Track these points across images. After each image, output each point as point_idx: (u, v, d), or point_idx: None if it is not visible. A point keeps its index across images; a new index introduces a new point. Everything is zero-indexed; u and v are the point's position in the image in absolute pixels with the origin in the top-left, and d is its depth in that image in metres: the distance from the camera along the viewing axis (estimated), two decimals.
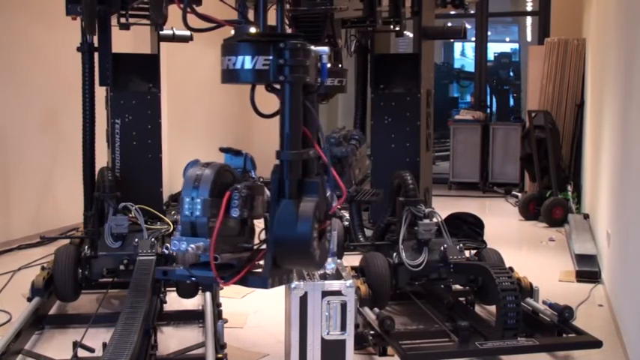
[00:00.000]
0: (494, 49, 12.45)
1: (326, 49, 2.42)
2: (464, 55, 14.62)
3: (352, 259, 4.43)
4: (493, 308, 3.77)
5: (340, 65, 4.25)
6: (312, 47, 2.32)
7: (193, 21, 2.53)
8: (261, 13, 2.48)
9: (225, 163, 2.49)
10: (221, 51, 2.40)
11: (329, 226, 2.32)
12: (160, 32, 4.64)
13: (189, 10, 2.46)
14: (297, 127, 2.37)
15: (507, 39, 14.40)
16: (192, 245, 2.20)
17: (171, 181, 7.87)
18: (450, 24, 4.96)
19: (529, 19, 12.17)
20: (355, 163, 3.89)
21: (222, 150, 2.75)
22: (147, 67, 4.49)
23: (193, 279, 2.26)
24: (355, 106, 4.63)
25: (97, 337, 3.40)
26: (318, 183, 2.34)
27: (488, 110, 10.46)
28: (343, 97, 12.05)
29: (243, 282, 2.29)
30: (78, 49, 4.28)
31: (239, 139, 10.00)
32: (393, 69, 4.41)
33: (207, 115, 9.15)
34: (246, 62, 2.35)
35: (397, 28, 4.40)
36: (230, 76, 2.41)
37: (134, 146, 4.40)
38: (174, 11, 4.77)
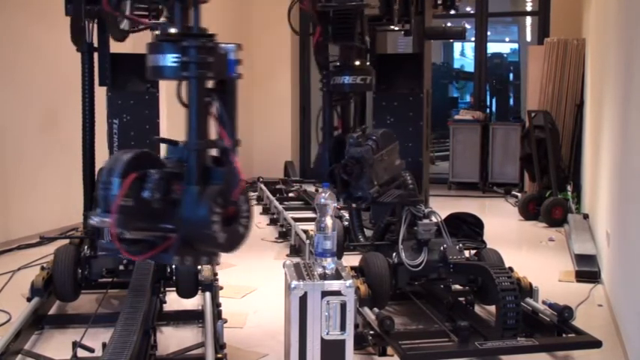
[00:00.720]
0: (493, 49, 12.45)
1: (232, 46, 2.60)
2: (463, 55, 14.62)
3: (352, 259, 4.43)
4: (493, 308, 3.77)
5: (368, 63, 4.22)
6: (222, 45, 2.56)
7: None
8: (177, 14, 2.65)
9: (147, 150, 2.71)
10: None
11: (245, 212, 2.58)
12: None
13: (118, 13, 2.75)
14: (202, 119, 2.59)
15: (507, 39, 14.40)
16: (97, 219, 2.43)
17: None
18: (449, 24, 4.96)
19: (529, 19, 12.17)
20: (379, 163, 3.88)
21: (158, 140, 3.04)
22: (145, 67, 4.48)
23: (104, 252, 2.60)
24: (354, 106, 4.62)
25: (97, 337, 3.40)
26: (223, 171, 2.58)
27: (488, 110, 10.46)
28: None
29: (153, 258, 2.55)
30: (77, 49, 4.28)
31: (239, 138, 10.00)
32: (396, 69, 4.41)
33: None
34: (161, 60, 2.61)
35: (407, 27, 4.41)
36: (150, 72, 2.69)
37: (132, 146, 4.40)
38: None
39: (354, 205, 4.14)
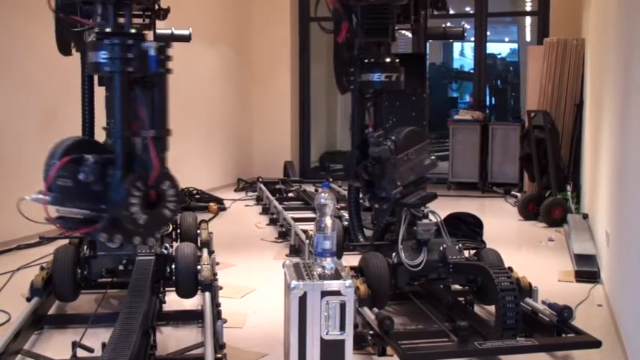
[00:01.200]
0: (493, 49, 12.46)
1: (151, 44, 2.87)
2: (463, 55, 14.62)
3: (351, 259, 4.43)
4: (492, 308, 3.77)
5: (397, 60, 4.12)
6: (144, 43, 2.83)
7: None
8: (110, 14, 2.92)
9: (90, 138, 3.13)
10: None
11: (171, 196, 2.85)
12: (158, 32, 4.63)
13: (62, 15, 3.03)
14: (124, 110, 2.87)
15: (507, 39, 14.41)
16: (32, 196, 2.87)
17: None
18: (449, 24, 4.95)
19: (528, 19, 12.18)
20: (403, 163, 3.84)
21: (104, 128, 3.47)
22: None
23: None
24: (352, 105, 4.61)
25: (96, 337, 3.40)
26: (143, 159, 2.87)
27: (488, 110, 10.47)
28: (343, 96, 12.08)
29: (88, 234, 2.94)
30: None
31: (239, 139, 10.01)
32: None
33: (207, 114, 9.15)
34: (94, 56, 2.88)
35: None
36: (88, 67, 3.03)
37: None
38: (174, 9, 4.79)
39: (376, 206, 4.08)
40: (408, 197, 3.89)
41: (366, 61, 4.12)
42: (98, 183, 2.82)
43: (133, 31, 2.98)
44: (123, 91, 2.83)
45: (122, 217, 2.79)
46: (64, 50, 4.05)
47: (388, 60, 4.09)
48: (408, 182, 3.90)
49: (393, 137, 3.91)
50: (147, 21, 4.45)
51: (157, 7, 4.57)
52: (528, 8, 10.93)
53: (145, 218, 2.79)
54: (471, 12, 10.04)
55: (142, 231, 2.86)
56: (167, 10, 4.64)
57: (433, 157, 4.02)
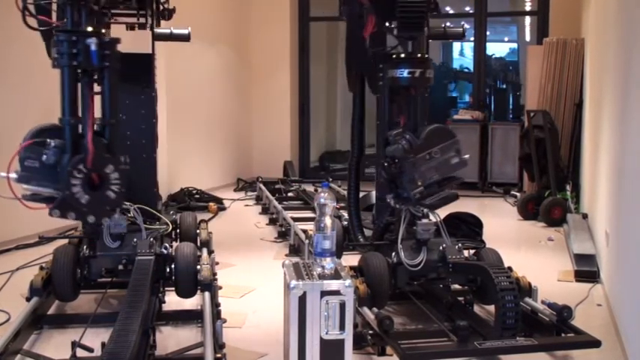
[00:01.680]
0: (492, 48, 12.45)
1: (93, 39, 3.05)
2: (462, 54, 14.62)
3: (351, 259, 4.43)
4: (492, 308, 3.77)
5: (427, 55, 4.00)
6: (88, 39, 3.03)
7: None
8: (68, 12, 3.13)
9: (58, 124, 3.22)
10: None
11: (115, 180, 3.08)
12: (157, 31, 4.64)
13: (28, 13, 3.22)
14: (71, 99, 3.12)
15: (506, 39, 14.40)
16: (2, 174, 3.12)
17: (171, 181, 7.88)
18: (448, 24, 4.94)
19: (528, 19, 12.18)
20: (424, 162, 3.73)
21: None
22: (141, 66, 4.50)
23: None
24: (353, 106, 4.62)
25: (96, 337, 3.40)
26: (85, 145, 3.09)
27: (487, 110, 10.46)
28: (343, 96, 12.08)
29: (50, 211, 3.14)
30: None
31: (238, 138, 10.01)
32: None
33: (207, 114, 9.15)
34: (54, 52, 3.15)
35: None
36: (52, 63, 3.21)
37: (128, 146, 4.40)
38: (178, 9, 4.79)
39: (397, 206, 3.94)
40: (428, 198, 3.79)
41: (395, 56, 3.99)
42: (58, 165, 3.10)
43: (90, 29, 3.14)
44: (69, 82, 3.08)
45: (67, 196, 3.05)
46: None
47: (418, 55, 3.96)
48: (430, 182, 3.78)
49: (407, 136, 3.80)
50: (142, 20, 4.47)
51: (161, 7, 4.59)
52: (528, 8, 10.93)
53: (87, 198, 3.05)
54: (471, 12, 10.04)
55: (86, 210, 3.10)
56: (172, 10, 4.65)
57: (466, 156, 3.86)
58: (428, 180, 3.77)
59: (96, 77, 3.18)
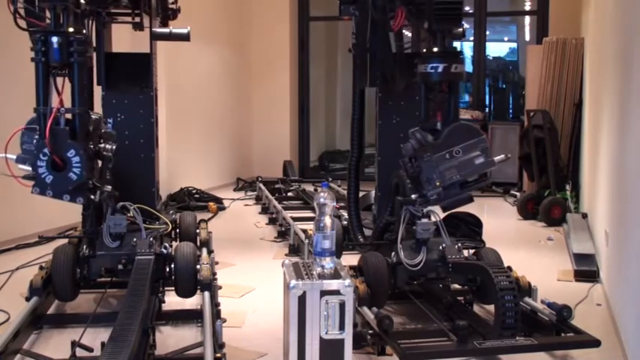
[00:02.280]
0: (492, 48, 12.45)
1: (55, 38, 3.31)
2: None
3: (351, 259, 4.43)
4: (491, 307, 3.77)
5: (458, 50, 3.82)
6: (54, 38, 3.28)
7: None
8: (52, 14, 3.36)
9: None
10: None
11: (75, 163, 3.34)
12: (156, 31, 4.65)
13: (18, 15, 3.35)
14: (44, 91, 3.36)
15: (506, 38, 14.40)
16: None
17: (170, 181, 7.87)
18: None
19: (527, 19, 12.17)
20: (443, 161, 3.58)
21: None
22: (140, 66, 4.50)
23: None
24: (353, 105, 4.62)
25: (96, 337, 3.41)
26: (42, 131, 3.39)
27: (487, 109, 10.46)
28: (342, 95, 12.09)
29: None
30: None
31: (238, 138, 10.01)
32: (401, 68, 4.31)
33: (207, 113, 9.15)
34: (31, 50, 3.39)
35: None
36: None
37: (126, 146, 4.41)
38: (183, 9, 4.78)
39: (415, 206, 3.82)
40: (446, 200, 3.67)
41: (425, 50, 3.83)
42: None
43: (71, 29, 3.36)
44: (41, 76, 3.34)
45: (36, 176, 3.39)
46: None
47: (450, 49, 3.77)
48: (450, 183, 3.61)
49: (418, 134, 3.70)
50: (137, 19, 4.49)
51: (167, 7, 4.60)
52: (527, 8, 10.93)
53: (51, 178, 3.36)
54: (470, 11, 10.04)
55: (50, 190, 3.41)
56: (177, 10, 4.67)
57: (497, 158, 3.66)
58: (448, 180, 3.60)
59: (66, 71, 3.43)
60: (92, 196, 3.54)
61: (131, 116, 4.42)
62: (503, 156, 3.80)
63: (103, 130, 3.72)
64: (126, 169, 4.37)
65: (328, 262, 3.01)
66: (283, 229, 6.29)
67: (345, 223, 4.81)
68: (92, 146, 3.55)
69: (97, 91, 4.45)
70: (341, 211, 5.54)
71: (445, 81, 3.75)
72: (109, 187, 3.71)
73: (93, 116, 3.63)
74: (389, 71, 4.32)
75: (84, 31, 3.51)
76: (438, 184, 3.61)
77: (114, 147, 3.66)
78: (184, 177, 8.22)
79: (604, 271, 4.79)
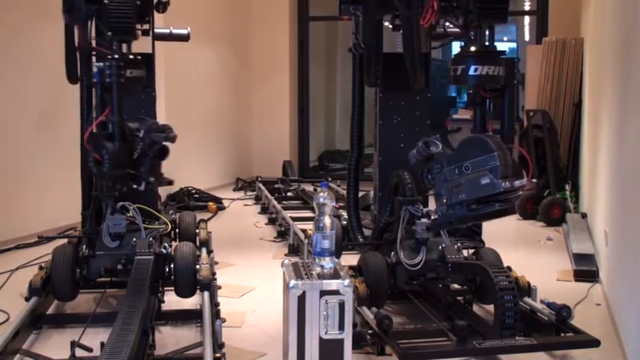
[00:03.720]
0: None
1: (97, 64, 3.77)
2: None
3: (350, 259, 4.43)
4: (491, 307, 3.78)
5: (499, 50, 3.58)
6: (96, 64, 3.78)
7: None
8: (118, 46, 3.87)
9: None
10: None
11: (106, 159, 3.70)
12: (156, 31, 4.64)
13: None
14: (118, 102, 3.79)
15: (505, 38, 14.40)
16: None
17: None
18: (447, 23, 4.89)
19: (527, 19, 12.17)
20: (454, 176, 3.40)
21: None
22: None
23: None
24: (352, 105, 4.61)
25: (95, 337, 3.40)
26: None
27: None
28: (342, 95, 12.09)
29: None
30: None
31: (237, 138, 10.01)
32: (403, 67, 4.30)
33: (206, 113, 9.15)
34: None
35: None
36: None
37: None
38: (173, 9, 4.78)
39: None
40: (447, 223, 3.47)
41: (460, 50, 3.57)
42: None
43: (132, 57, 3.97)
44: (100, 93, 3.81)
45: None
46: (74, 79, 4.20)
47: (490, 49, 3.50)
48: (455, 202, 3.39)
49: (420, 143, 3.50)
50: (145, 26, 4.51)
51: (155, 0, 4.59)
52: (527, 8, 10.92)
53: (94, 171, 3.78)
54: None
55: (96, 178, 3.92)
56: (167, 3, 4.65)
57: (518, 183, 3.23)
58: (454, 199, 3.37)
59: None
60: (135, 186, 3.86)
61: (133, 116, 4.42)
62: (523, 180, 3.31)
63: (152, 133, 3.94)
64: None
65: (328, 262, 3.01)
66: (283, 229, 6.29)
67: (345, 223, 4.80)
68: (140, 144, 3.85)
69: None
70: (340, 211, 5.54)
71: (478, 85, 3.49)
72: (152, 179, 3.95)
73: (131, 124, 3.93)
74: (414, 69, 3.93)
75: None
76: (444, 201, 3.44)
77: (163, 144, 3.96)
78: (184, 177, 8.21)
79: (603, 271, 4.79)
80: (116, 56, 3.78)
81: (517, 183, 3.26)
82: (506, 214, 3.37)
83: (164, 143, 3.95)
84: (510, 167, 3.30)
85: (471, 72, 3.42)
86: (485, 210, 3.35)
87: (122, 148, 3.78)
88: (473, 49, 3.53)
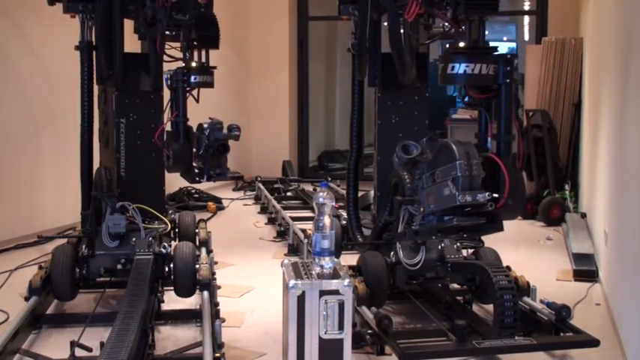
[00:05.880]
0: None
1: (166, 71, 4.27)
2: None
3: (350, 259, 4.43)
4: (490, 307, 3.78)
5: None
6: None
7: None
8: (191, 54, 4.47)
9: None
10: None
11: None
12: None
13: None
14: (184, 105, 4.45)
15: (505, 38, 14.41)
16: None
17: (170, 180, 7.85)
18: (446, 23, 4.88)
19: (526, 19, 12.17)
20: (430, 185, 3.31)
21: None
22: (146, 66, 4.49)
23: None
24: (352, 105, 4.61)
25: (95, 337, 3.40)
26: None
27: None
28: (342, 95, 12.08)
29: None
30: (76, 48, 4.28)
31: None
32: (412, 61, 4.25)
33: (205, 113, 9.12)
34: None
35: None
36: None
37: (138, 145, 4.40)
38: None
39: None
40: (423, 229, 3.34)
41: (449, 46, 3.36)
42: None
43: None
44: (181, 95, 4.39)
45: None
46: (103, 80, 4.29)
47: (480, 45, 3.26)
48: (428, 212, 3.29)
49: (398, 148, 3.43)
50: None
51: None
52: (527, 7, 10.92)
53: (167, 165, 4.46)
54: None
55: (169, 170, 4.53)
56: None
57: (481, 196, 2.97)
58: (427, 209, 3.25)
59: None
60: (198, 178, 4.26)
61: (143, 116, 4.42)
62: (485, 195, 3.04)
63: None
64: (137, 169, 4.37)
65: (327, 262, 3.01)
66: (282, 228, 6.29)
67: (344, 222, 4.80)
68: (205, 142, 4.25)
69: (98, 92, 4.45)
70: (340, 210, 5.54)
71: (469, 85, 3.31)
72: (213, 173, 4.31)
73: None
74: (402, 62, 3.82)
75: None
76: (421, 209, 3.34)
77: (223, 139, 4.31)
78: None
79: (603, 270, 4.79)
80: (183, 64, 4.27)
81: (480, 197, 3.03)
82: (470, 232, 3.19)
83: (223, 140, 4.29)
84: (477, 178, 3.07)
85: (460, 70, 3.17)
86: (448, 224, 3.21)
87: (185, 145, 4.24)
88: (462, 45, 3.29)
